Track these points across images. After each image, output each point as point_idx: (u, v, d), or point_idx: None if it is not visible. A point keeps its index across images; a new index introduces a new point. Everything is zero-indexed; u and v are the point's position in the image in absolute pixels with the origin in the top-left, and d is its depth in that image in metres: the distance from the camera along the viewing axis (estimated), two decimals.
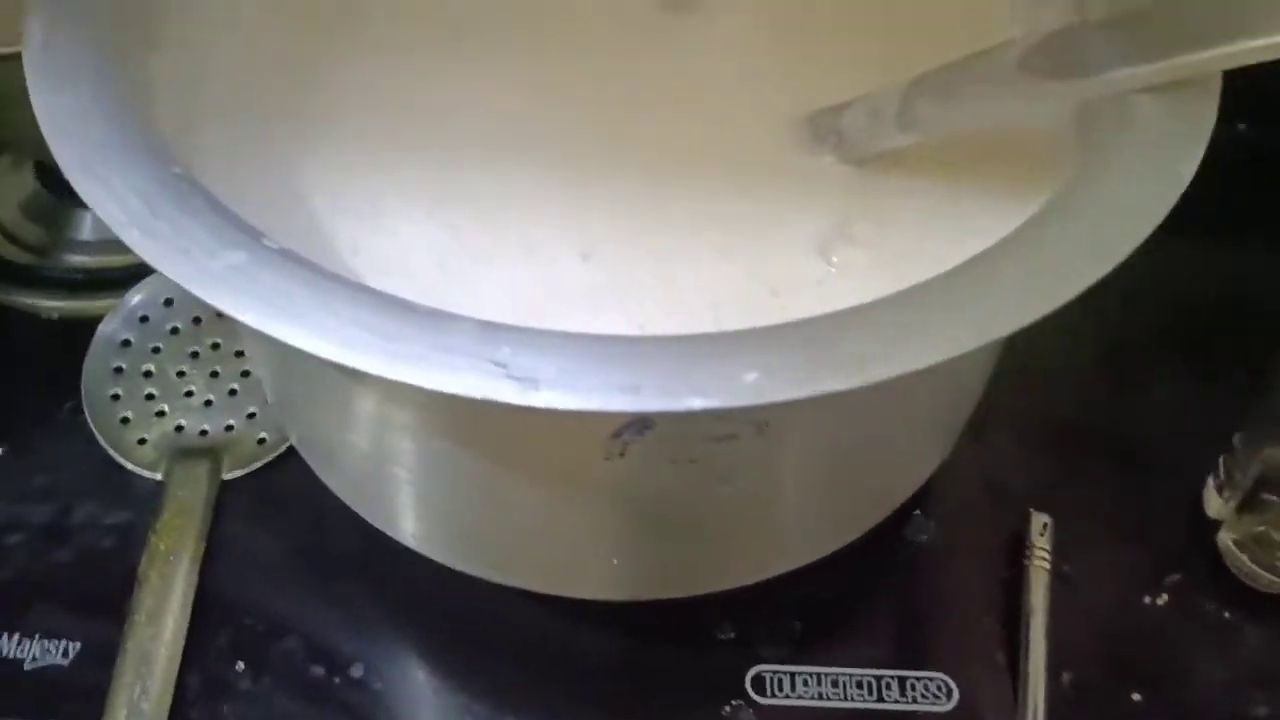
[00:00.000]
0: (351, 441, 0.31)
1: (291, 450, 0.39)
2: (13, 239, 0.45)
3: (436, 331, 0.21)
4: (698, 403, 0.20)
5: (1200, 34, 0.24)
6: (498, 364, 0.21)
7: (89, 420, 0.39)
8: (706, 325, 0.28)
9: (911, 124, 0.29)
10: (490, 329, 0.21)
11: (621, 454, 0.25)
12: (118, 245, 0.43)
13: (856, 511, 0.32)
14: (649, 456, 0.26)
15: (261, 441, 0.39)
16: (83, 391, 0.40)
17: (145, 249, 0.23)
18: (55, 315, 0.43)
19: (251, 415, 0.40)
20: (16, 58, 0.35)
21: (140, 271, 0.43)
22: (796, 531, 0.32)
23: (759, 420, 0.24)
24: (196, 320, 0.41)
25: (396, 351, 0.21)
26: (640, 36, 0.35)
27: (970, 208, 0.30)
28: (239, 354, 0.41)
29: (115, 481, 0.38)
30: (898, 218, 0.30)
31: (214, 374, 0.41)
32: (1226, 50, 0.24)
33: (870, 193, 0.31)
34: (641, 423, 0.24)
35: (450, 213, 0.30)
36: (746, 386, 0.20)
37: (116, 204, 0.23)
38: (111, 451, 0.39)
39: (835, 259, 0.29)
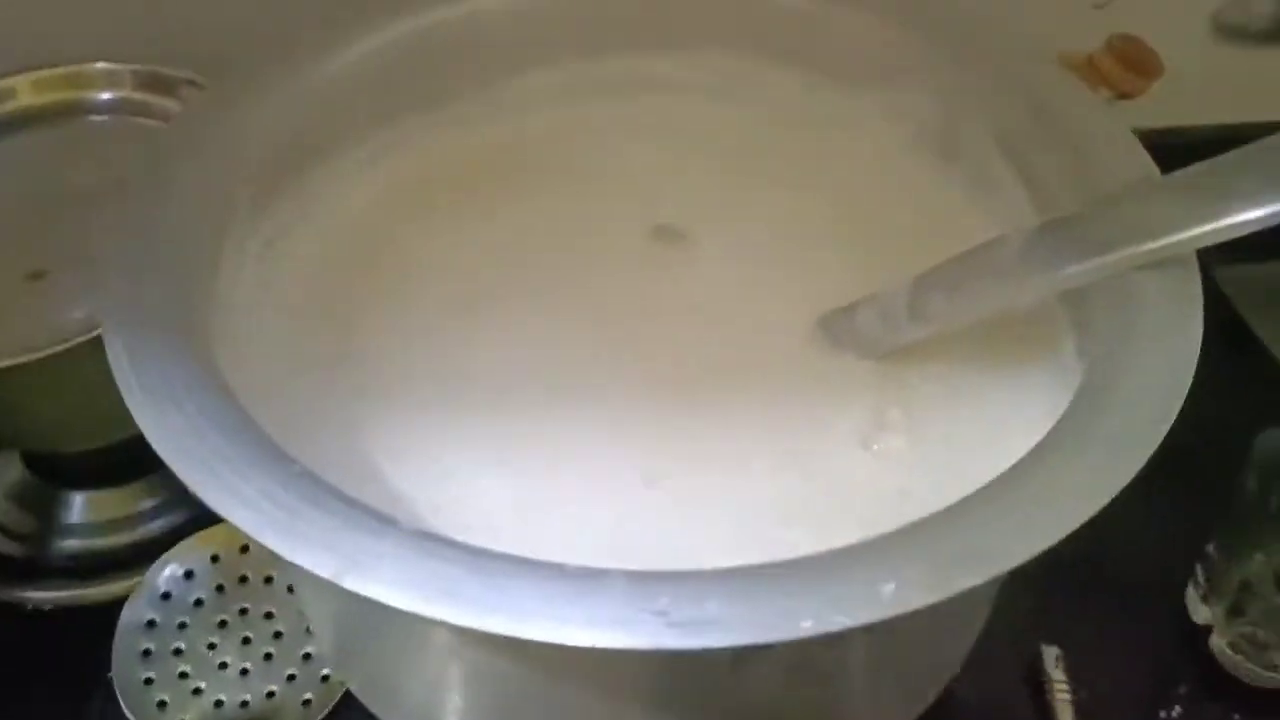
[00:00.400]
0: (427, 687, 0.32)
1: (340, 707, 0.39)
2: (4, 530, 0.44)
3: (594, 592, 0.23)
4: (848, 621, 0.22)
5: (1171, 219, 0.29)
6: (658, 613, 0.23)
7: (124, 710, 0.38)
8: (777, 533, 0.30)
9: (923, 319, 0.32)
10: (640, 580, 0.23)
11: (735, 672, 0.27)
12: (116, 526, 0.45)
13: (924, 687, 0.34)
14: (761, 670, 0.27)
15: (307, 703, 0.39)
16: (114, 680, 0.39)
17: (286, 549, 0.24)
18: (57, 605, 0.42)
19: (292, 677, 0.40)
20: (12, 369, 0.37)
21: (144, 550, 0.43)
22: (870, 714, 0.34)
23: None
24: (220, 588, 0.41)
25: (566, 617, 0.23)
26: (640, 268, 0.38)
27: (986, 382, 0.33)
28: (269, 615, 0.41)
29: None
30: (924, 401, 0.33)
31: (246, 640, 0.40)
32: (1195, 232, 0.28)
33: (895, 382, 0.34)
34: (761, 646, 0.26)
35: (515, 461, 0.32)
36: (888, 597, 0.23)
37: (249, 510, 0.25)
38: None
39: (876, 447, 0.32)
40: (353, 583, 0.24)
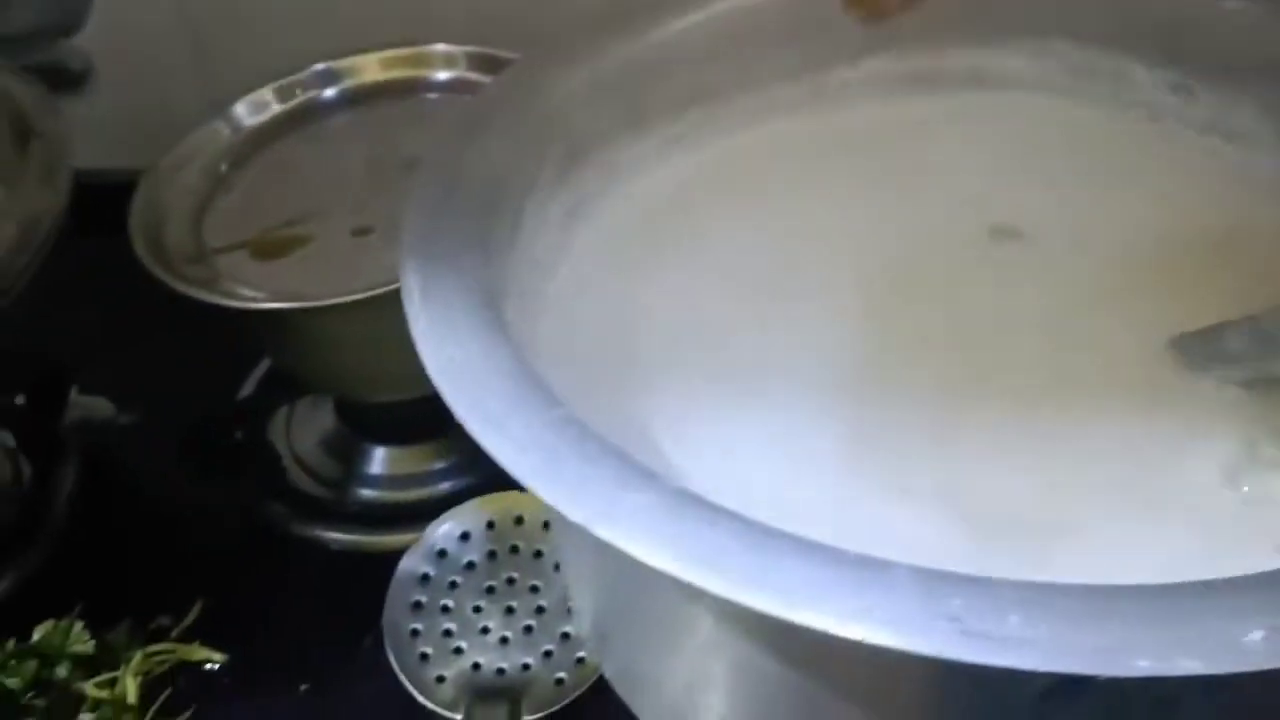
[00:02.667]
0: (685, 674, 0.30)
1: (591, 692, 0.37)
2: (311, 473, 0.47)
3: (876, 583, 0.20)
4: (1194, 666, 0.18)
5: None
6: (950, 619, 0.19)
7: (390, 656, 0.39)
8: (1114, 570, 0.26)
9: None
10: (931, 578, 0.20)
11: (1038, 707, 0.23)
12: (407, 481, 0.47)
13: None
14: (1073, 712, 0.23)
15: (560, 682, 0.38)
16: (385, 627, 0.40)
17: (551, 494, 0.23)
18: (347, 548, 0.45)
19: (548, 654, 0.39)
20: (327, 310, 0.39)
21: (429, 508, 0.44)
22: None
23: (1223, 681, 0.21)
24: (492, 555, 0.41)
25: (841, 608, 0.20)
26: (975, 267, 0.34)
27: None
28: (534, 589, 0.40)
29: None
30: None
31: (509, 610, 0.40)
32: None
33: (1269, 413, 0.28)
34: (1076, 684, 0.21)
35: (814, 461, 0.29)
36: (1252, 648, 0.18)
37: (519, 453, 0.24)
38: (413, 689, 0.38)
39: (1246, 488, 0.27)
40: (605, 531, 0.22)
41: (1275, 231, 0.33)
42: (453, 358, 0.26)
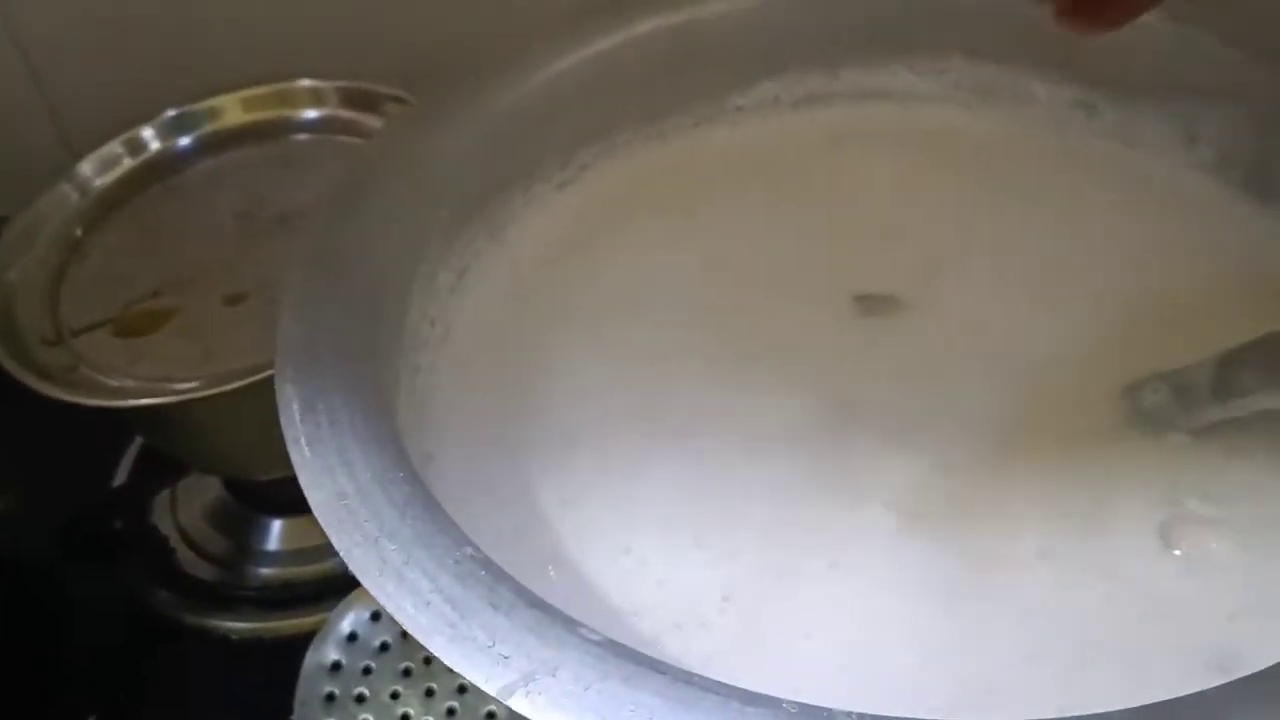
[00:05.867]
0: None
1: None
2: (202, 554, 0.44)
3: None
4: None
5: None
6: None
7: None
8: (1073, 673, 0.25)
9: (1234, 397, 0.26)
10: None
11: None
12: (308, 555, 0.44)
13: None
14: None
15: None
16: None
17: (457, 661, 0.21)
18: (247, 637, 0.42)
19: None
20: (205, 399, 0.36)
21: (335, 584, 0.41)
22: None
23: None
24: (405, 634, 0.39)
25: None
26: (862, 314, 0.32)
27: None
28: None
29: None
30: (1233, 485, 0.27)
31: (429, 692, 0.38)
32: None
33: (1194, 464, 0.27)
34: None
35: (720, 541, 0.27)
36: None
37: (420, 610, 0.21)
38: None
39: (1180, 550, 0.26)
40: (522, 704, 0.20)
41: (1198, 258, 0.32)
42: (342, 492, 0.24)
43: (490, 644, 0.21)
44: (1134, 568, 0.26)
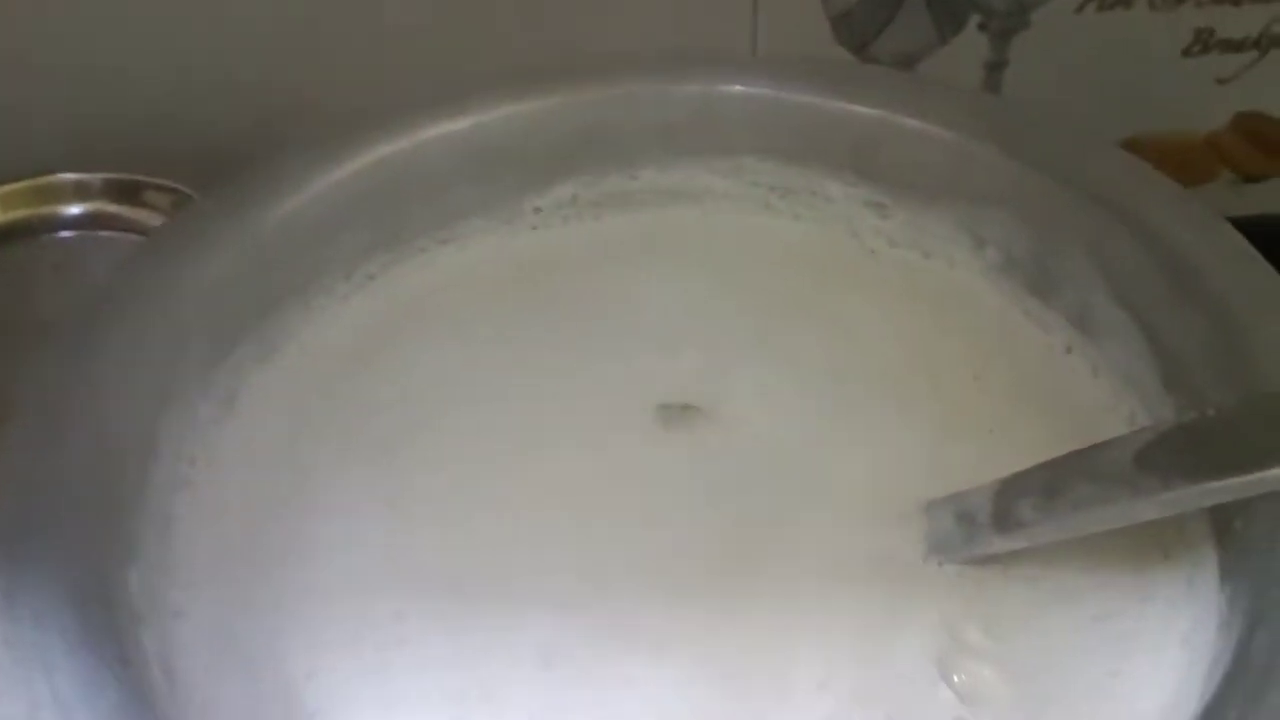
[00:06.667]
0: None
1: None
2: None
3: None
4: None
5: None
6: None
7: None
8: None
9: (1013, 529, 0.25)
10: None
11: None
12: None
13: None
14: None
15: None
16: None
17: None
18: None
19: None
20: None
21: None
22: None
23: None
24: None
25: None
26: (656, 432, 0.31)
27: (1090, 585, 0.26)
28: None
29: None
30: (1011, 614, 0.26)
31: None
32: None
33: (971, 587, 0.27)
34: None
35: (485, 711, 0.25)
36: None
37: None
38: None
39: (958, 679, 0.25)
40: None
41: (993, 364, 0.32)
42: (36, 702, 0.21)
43: None
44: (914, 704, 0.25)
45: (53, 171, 0.40)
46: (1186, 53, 0.44)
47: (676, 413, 0.31)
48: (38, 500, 0.24)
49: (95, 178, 0.40)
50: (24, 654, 0.21)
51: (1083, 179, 0.31)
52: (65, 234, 0.40)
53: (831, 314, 0.33)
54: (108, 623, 0.23)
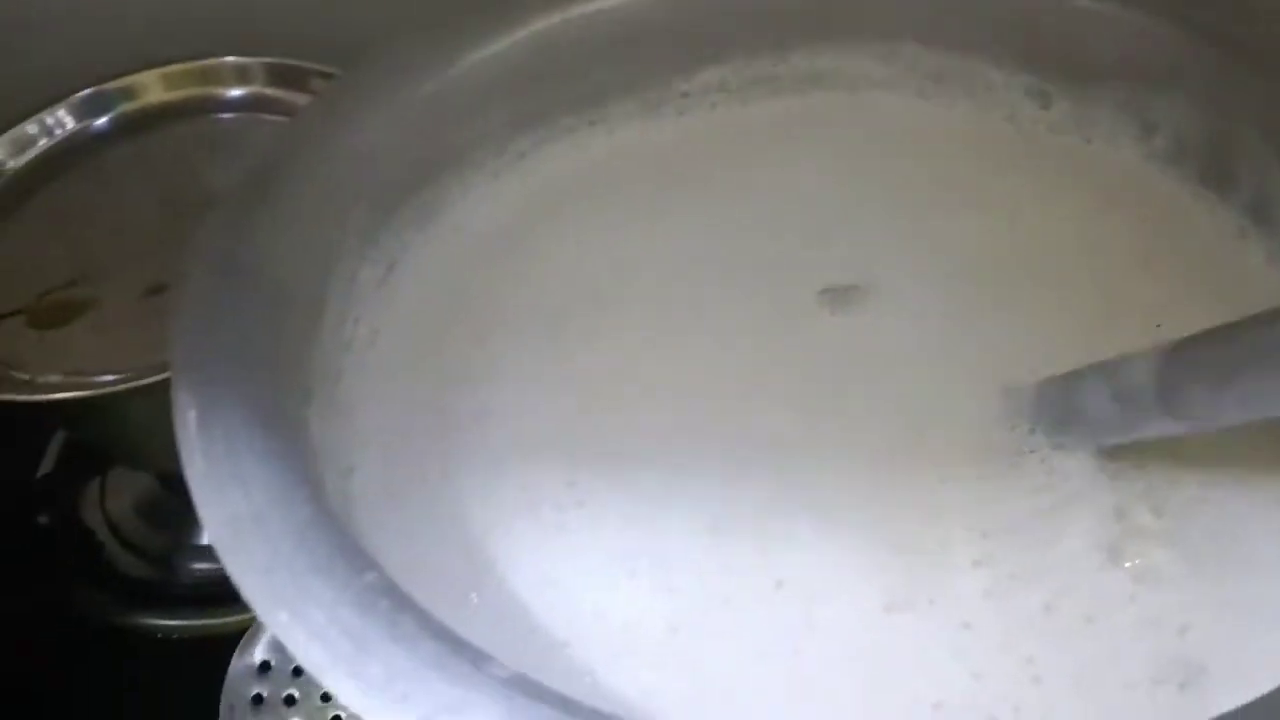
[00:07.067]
0: None
1: None
2: (135, 550, 0.42)
3: None
4: None
5: None
6: None
7: None
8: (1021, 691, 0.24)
9: (1180, 414, 0.24)
10: None
11: None
12: None
13: None
14: None
15: None
16: None
17: (356, 700, 0.19)
18: (181, 635, 0.40)
19: None
20: (124, 394, 0.34)
21: None
22: None
23: None
24: None
25: None
26: (808, 313, 0.31)
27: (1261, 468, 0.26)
28: None
29: None
30: (1182, 499, 0.26)
31: None
32: None
33: (1135, 473, 0.26)
34: None
35: (661, 571, 0.26)
36: None
37: (314, 643, 0.20)
38: None
39: (1130, 564, 0.25)
40: None
41: (1157, 251, 0.31)
42: (236, 514, 0.22)
43: (388, 681, 0.20)
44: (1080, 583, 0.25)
45: (216, 55, 0.41)
46: None
47: (840, 294, 0.31)
48: (220, 340, 0.25)
49: (257, 62, 0.41)
50: (219, 470, 0.23)
51: (1264, 55, 0.30)
52: (226, 115, 0.42)
53: (988, 199, 0.33)
54: (295, 447, 0.24)
